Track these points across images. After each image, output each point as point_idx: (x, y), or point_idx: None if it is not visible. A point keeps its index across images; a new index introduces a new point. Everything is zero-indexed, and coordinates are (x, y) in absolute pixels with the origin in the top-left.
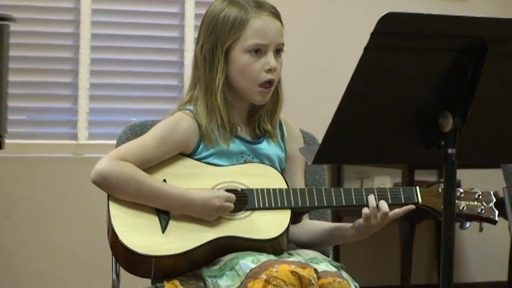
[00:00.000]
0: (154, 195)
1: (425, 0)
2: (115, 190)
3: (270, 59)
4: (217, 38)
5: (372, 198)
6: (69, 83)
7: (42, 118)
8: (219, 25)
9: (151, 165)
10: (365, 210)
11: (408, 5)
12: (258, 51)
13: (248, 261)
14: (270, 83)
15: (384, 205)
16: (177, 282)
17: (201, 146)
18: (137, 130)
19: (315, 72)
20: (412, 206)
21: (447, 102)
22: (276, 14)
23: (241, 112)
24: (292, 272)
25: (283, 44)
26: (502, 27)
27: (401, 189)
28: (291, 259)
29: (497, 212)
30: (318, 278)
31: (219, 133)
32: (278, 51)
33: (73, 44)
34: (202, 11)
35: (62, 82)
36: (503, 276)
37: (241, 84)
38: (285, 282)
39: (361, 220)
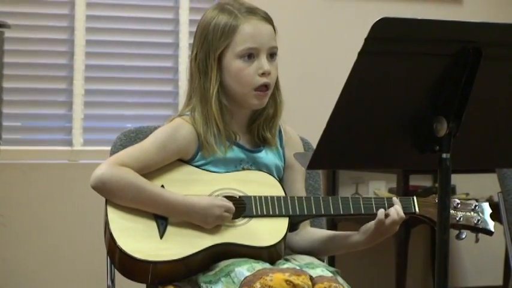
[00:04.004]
0: (153, 201)
1: (420, 5)
2: (114, 195)
3: (263, 62)
4: (209, 47)
5: (394, 209)
6: (64, 89)
7: (37, 124)
8: (210, 33)
9: (150, 170)
10: (380, 214)
11: (402, 10)
12: (250, 55)
13: (244, 269)
14: (265, 86)
15: (400, 211)
16: (172, 287)
17: (199, 154)
18: (132, 136)
19: (310, 78)
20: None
21: (441, 107)
22: (267, 19)
23: (240, 120)
24: (286, 280)
25: (276, 48)
26: (495, 32)
27: (398, 199)
28: (286, 265)
29: (493, 223)
30: (314, 283)
31: (215, 141)
32: (272, 55)
33: (68, 50)
34: (197, 17)
35: (57, 88)
36: (498, 281)
37: (236, 90)
38: None
39: (371, 223)
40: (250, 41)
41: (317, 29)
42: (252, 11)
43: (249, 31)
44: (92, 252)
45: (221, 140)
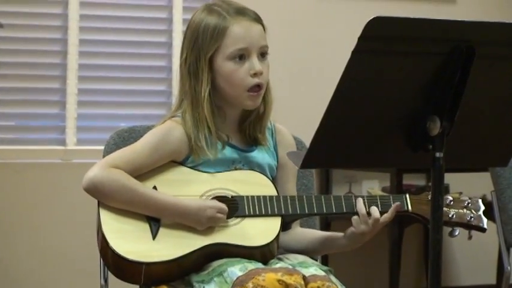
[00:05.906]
0: (146, 202)
1: (413, 4)
2: (106, 197)
3: (254, 63)
4: (199, 50)
5: (360, 205)
6: (57, 89)
7: (30, 124)
8: (200, 36)
9: (142, 172)
10: (355, 218)
11: (396, 9)
12: (241, 56)
13: (236, 269)
14: (258, 86)
15: (374, 211)
16: (165, 287)
17: (190, 157)
18: (125, 135)
19: (303, 77)
20: (399, 203)
21: (435, 106)
22: (256, 19)
23: (232, 120)
24: (278, 280)
25: (266, 47)
26: (488, 31)
27: (391, 197)
28: (279, 265)
29: (486, 220)
30: (307, 283)
31: (206, 144)
32: (263, 54)
33: (61, 49)
34: (190, 16)
35: (50, 88)
36: (492, 280)
37: (229, 92)
38: None
39: (352, 228)
40: (240, 42)
41: (309, 27)
42: (241, 12)
43: (238, 32)
44: (86, 251)
45: (212, 142)
